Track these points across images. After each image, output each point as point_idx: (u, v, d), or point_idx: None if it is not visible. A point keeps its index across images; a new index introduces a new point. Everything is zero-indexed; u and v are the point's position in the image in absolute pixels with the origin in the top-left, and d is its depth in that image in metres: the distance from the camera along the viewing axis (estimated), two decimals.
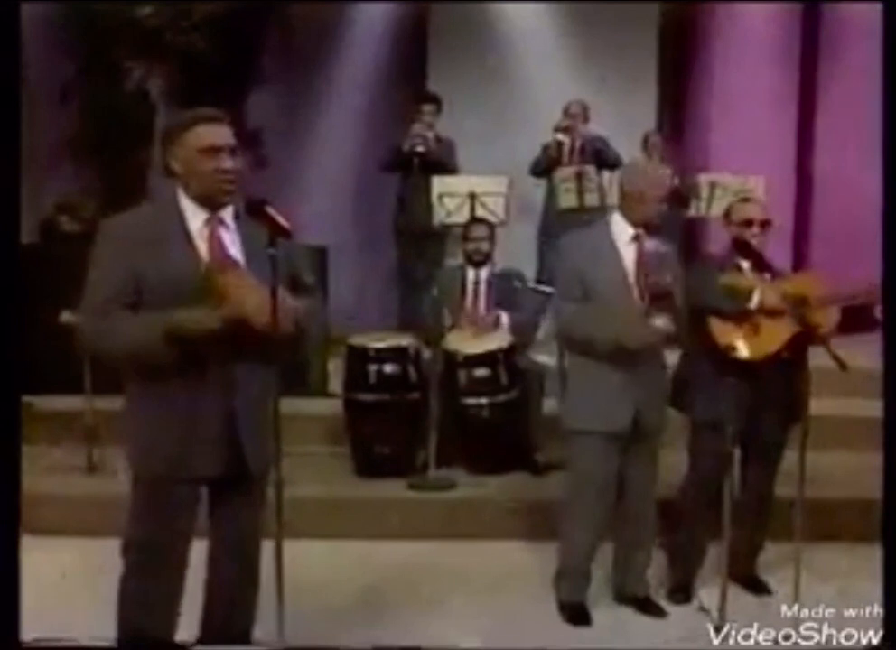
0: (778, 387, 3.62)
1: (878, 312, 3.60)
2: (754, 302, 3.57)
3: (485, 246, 5.24)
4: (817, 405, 3.63)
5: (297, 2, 7.28)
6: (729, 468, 3.54)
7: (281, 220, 2.56)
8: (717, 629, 3.34)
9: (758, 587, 3.94)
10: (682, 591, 3.88)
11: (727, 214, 3.82)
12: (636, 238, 3.56)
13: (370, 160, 7.00)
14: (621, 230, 3.57)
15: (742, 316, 3.56)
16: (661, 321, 3.42)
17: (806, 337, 3.44)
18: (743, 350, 3.55)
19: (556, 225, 6.46)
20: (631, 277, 3.53)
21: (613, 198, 6.48)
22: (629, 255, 3.55)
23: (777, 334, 3.52)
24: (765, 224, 3.73)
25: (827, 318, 3.56)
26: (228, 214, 2.73)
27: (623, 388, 3.54)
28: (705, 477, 3.68)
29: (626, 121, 7.14)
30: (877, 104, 6.21)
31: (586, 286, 3.52)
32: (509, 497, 4.65)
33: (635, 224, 3.56)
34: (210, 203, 2.69)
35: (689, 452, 3.85)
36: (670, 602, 3.82)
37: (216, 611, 2.99)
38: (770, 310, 3.51)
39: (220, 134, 2.67)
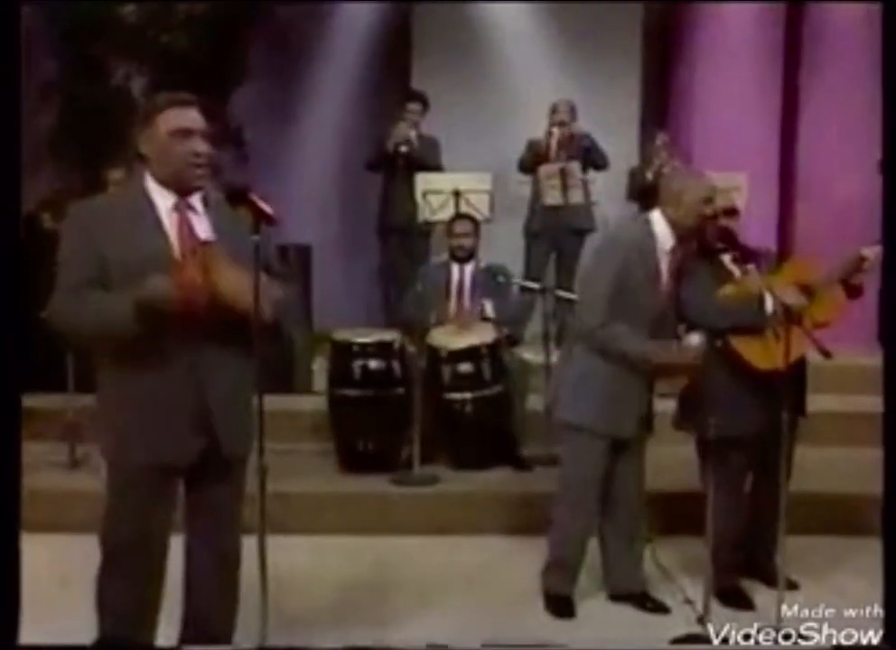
0: (790, 387, 3.44)
1: (856, 280, 3.62)
2: (769, 308, 3.44)
3: (468, 242, 5.25)
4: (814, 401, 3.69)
5: (281, 2, 7.27)
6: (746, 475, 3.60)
7: (265, 207, 2.54)
8: (700, 621, 3.36)
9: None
10: (734, 596, 3.74)
11: None
12: (674, 250, 3.50)
13: (354, 158, 7.01)
14: (663, 233, 3.49)
15: (760, 327, 3.49)
16: (695, 340, 3.36)
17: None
18: (771, 361, 3.41)
19: (542, 221, 6.48)
20: (664, 286, 3.50)
21: (597, 194, 6.66)
22: (665, 262, 3.50)
23: (797, 335, 3.31)
24: (731, 212, 3.66)
25: (837, 302, 3.54)
26: (196, 200, 2.71)
27: (636, 394, 3.55)
28: (728, 490, 3.57)
29: (609, 121, 7.15)
30: (860, 101, 6.35)
31: (623, 286, 3.44)
32: (493, 493, 4.65)
33: (674, 227, 3.48)
34: (180, 187, 2.67)
35: (703, 469, 3.57)
36: (724, 606, 3.66)
37: (196, 606, 2.95)
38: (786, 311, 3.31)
39: (192, 117, 2.66)
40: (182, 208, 2.68)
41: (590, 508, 3.66)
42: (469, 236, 5.24)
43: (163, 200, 2.68)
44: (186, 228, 2.66)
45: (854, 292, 3.67)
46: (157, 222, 2.66)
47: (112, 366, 2.69)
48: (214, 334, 2.62)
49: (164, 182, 2.67)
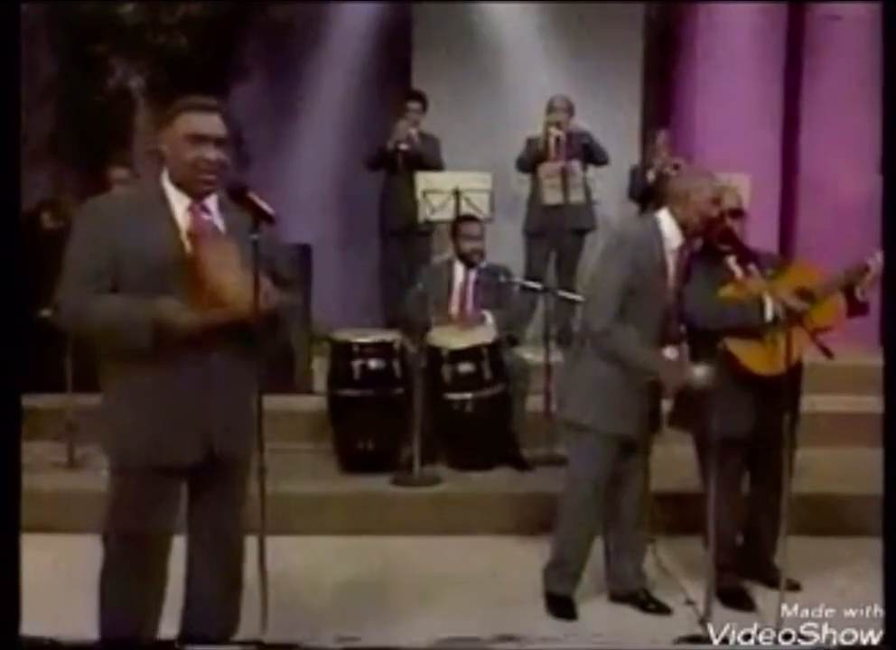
0: (788, 389, 3.41)
1: (859, 294, 3.61)
2: (769, 314, 3.45)
3: (481, 245, 5.23)
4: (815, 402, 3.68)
5: (281, 1, 7.26)
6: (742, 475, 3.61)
7: (264, 206, 2.56)
8: (702, 622, 3.34)
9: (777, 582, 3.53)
10: (736, 596, 3.73)
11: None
12: (681, 249, 3.51)
13: (354, 158, 7.00)
14: (671, 232, 3.49)
15: (759, 331, 3.47)
16: (701, 372, 3.34)
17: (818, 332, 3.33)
18: (771, 366, 3.41)
19: (541, 221, 6.47)
20: (671, 284, 3.50)
21: (598, 193, 6.65)
22: (672, 261, 3.51)
23: (797, 339, 3.28)
24: (737, 214, 3.62)
25: (836, 308, 3.52)
26: (211, 202, 2.73)
27: (643, 396, 3.55)
28: (728, 490, 3.52)
29: (610, 120, 7.14)
30: (861, 101, 6.35)
31: (632, 285, 3.42)
32: (493, 493, 4.64)
33: (682, 227, 3.48)
34: (190, 191, 2.69)
35: (703, 469, 3.59)
36: (726, 607, 3.64)
37: (197, 606, 2.95)
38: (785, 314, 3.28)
39: (209, 123, 2.67)
40: (195, 210, 2.70)
41: (595, 509, 3.65)
42: (480, 239, 5.22)
43: (178, 201, 2.69)
44: (199, 229, 2.67)
45: (857, 309, 3.61)
46: (171, 219, 2.67)
47: (116, 365, 2.70)
48: (218, 336, 2.62)
49: (178, 183, 2.69)
